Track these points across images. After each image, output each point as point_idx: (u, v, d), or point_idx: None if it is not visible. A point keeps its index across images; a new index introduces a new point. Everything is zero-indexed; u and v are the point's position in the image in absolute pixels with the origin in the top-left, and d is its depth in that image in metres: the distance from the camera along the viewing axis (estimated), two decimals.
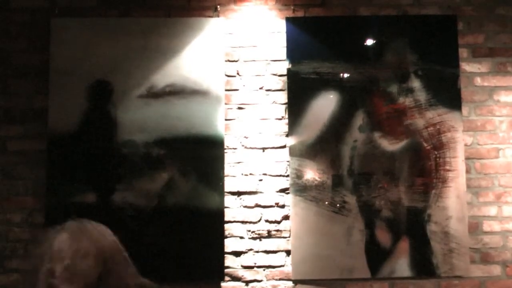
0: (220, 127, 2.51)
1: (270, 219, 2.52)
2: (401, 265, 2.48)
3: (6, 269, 2.47)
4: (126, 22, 2.59)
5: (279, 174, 2.54)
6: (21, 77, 2.58)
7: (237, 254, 2.50)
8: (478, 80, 2.65)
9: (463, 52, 2.64)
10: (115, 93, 2.53)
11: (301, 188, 2.51)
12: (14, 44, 2.60)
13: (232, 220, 2.51)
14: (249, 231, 2.51)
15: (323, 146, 2.53)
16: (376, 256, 2.48)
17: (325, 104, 2.56)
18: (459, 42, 2.63)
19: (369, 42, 2.62)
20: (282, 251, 2.50)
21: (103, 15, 2.61)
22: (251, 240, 2.50)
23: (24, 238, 2.49)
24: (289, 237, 2.50)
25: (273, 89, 2.59)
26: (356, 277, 2.48)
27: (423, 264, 2.49)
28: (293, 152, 2.53)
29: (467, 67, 2.65)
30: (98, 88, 2.54)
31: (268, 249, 2.50)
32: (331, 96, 2.56)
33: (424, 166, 2.54)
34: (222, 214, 2.48)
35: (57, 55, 2.53)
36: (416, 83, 2.59)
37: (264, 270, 2.49)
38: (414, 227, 2.51)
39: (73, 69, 2.52)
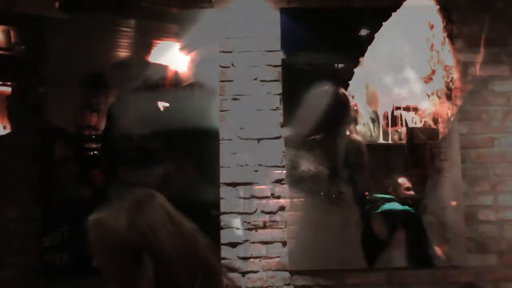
0: (215, 118, 2.50)
1: (266, 210, 2.51)
2: (398, 256, 2.48)
3: (2, 264, 2.46)
4: (121, 16, 2.58)
5: (274, 165, 2.53)
6: None
7: (233, 245, 2.48)
8: (473, 70, 2.65)
9: (458, 43, 2.64)
10: (110, 87, 2.52)
11: (296, 179, 2.49)
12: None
13: (227, 211, 2.50)
14: (245, 222, 2.50)
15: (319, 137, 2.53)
16: (373, 246, 2.48)
17: (320, 95, 2.55)
18: (454, 33, 2.63)
19: (364, 33, 2.61)
20: (278, 241, 2.49)
21: (98, 9, 2.60)
22: (247, 231, 2.49)
23: (19, 234, 2.47)
24: (285, 228, 2.49)
25: (267, 79, 2.58)
26: (352, 268, 2.47)
27: (420, 255, 2.48)
28: (288, 143, 2.52)
29: (462, 57, 2.64)
30: (93, 82, 2.53)
31: (264, 240, 2.49)
32: (326, 87, 2.56)
33: (420, 156, 2.54)
34: (217, 205, 2.47)
35: (52, 49, 2.52)
36: (411, 74, 2.59)
37: (260, 261, 2.48)
38: (410, 217, 2.50)
39: (68, 63, 2.52)
